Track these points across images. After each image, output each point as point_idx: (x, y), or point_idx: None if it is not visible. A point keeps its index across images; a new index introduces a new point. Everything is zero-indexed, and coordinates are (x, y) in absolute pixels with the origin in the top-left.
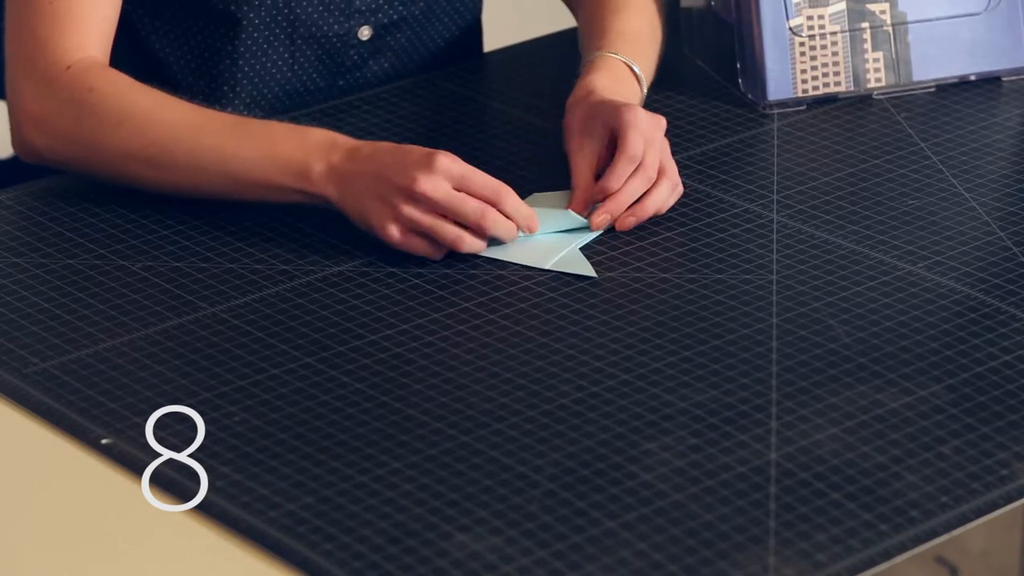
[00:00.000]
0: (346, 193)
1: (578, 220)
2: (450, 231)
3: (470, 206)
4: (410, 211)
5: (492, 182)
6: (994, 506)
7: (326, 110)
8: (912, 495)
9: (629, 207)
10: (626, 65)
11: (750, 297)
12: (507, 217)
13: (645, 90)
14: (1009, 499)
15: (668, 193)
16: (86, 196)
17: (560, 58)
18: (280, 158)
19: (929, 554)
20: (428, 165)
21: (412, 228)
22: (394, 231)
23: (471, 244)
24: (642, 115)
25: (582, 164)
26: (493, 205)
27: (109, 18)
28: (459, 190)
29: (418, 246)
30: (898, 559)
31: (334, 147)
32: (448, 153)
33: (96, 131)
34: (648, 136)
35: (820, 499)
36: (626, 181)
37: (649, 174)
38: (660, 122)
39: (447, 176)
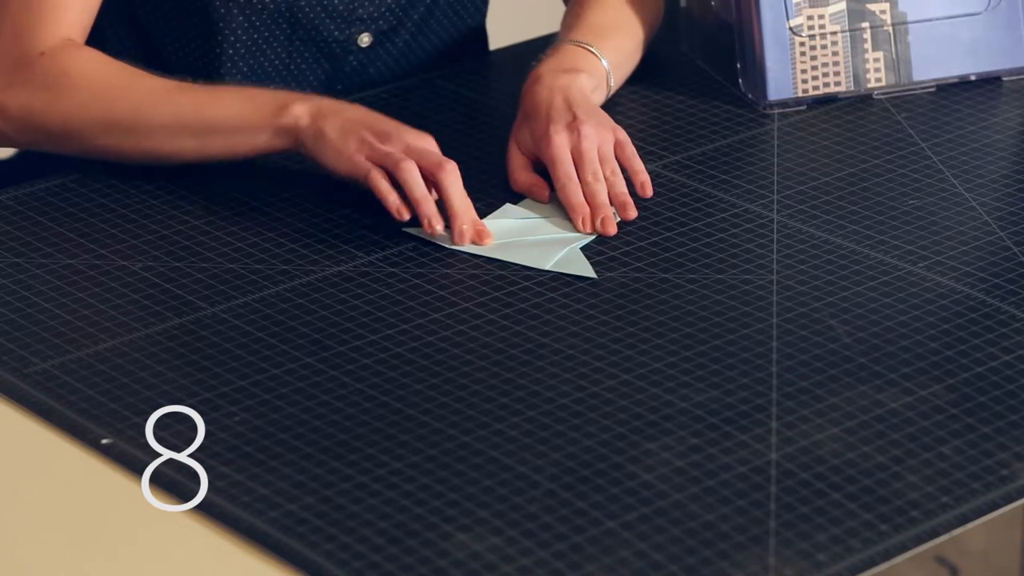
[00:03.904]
0: (318, 122)
1: (573, 231)
2: (401, 156)
3: (432, 158)
4: (378, 145)
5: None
6: (994, 506)
7: None
8: (912, 495)
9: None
10: (586, 51)
11: (750, 297)
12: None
13: (612, 78)
14: (1009, 499)
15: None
16: (86, 196)
17: None
18: (261, 100)
19: (929, 554)
20: (417, 132)
21: (370, 158)
22: (355, 155)
23: (412, 173)
24: (557, 134)
25: (516, 164)
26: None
27: (89, 7)
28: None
29: (364, 167)
30: (898, 559)
31: (317, 96)
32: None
33: (72, 110)
34: (573, 144)
35: (820, 499)
36: (585, 188)
37: (592, 169)
38: (581, 112)
39: (428, 142)
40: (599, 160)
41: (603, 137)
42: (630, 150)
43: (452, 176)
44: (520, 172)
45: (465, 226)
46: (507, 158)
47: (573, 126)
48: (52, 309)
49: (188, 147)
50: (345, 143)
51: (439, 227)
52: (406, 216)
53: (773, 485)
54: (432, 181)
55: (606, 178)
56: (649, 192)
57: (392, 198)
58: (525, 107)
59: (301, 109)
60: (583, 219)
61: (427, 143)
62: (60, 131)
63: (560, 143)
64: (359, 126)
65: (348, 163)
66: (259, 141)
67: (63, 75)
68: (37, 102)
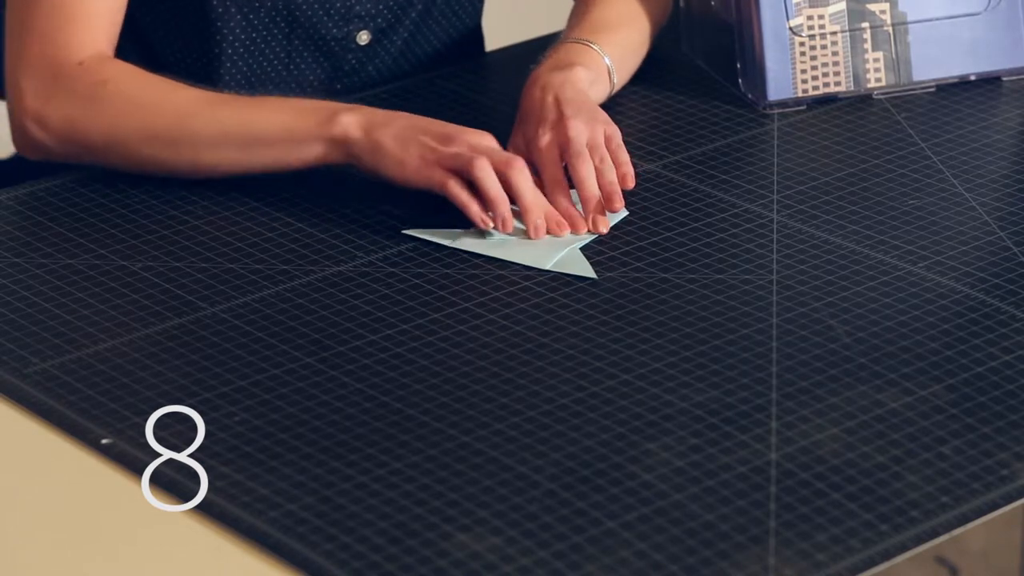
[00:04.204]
0: (372, 133)
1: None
2: (472, 154)
3: (502, 155)
4: (443, 149)
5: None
6: (994, 506)
7: None
8: (912, 495)
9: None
10: (586, 46)
11: (750, 297)
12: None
13: (615, 73)
14: (1009, 499)
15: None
16: (86, 196)
17: None
18: (306, 110)
19: (929, 554)
20: (476, 131)
21: (440, 164)
22: (421, 163)
23: (486, 171)
24: (543, 137)
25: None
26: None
27: (116, 14)
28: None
29: (438, 177)
30: (898, 559)
31: (363, 106)
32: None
33: (114, 120)
34: (560, 141)
35: (820, 499)
36: (572, 172)
37: (577, 150)
38: (569, 109)
39: (491, 140)
40: (589, 148)
41: (593, 129)
42: (617, 142)
43: (522, 174)
44: None
45: (539, 220)
46: None
47: (559, 124)
48: (52, 309)
49: (232, 159)
50: (407, 152)
51: (510, 226)
52: (490, 226)
53: (773, 485)
54: (501, 178)
55: (596, 168)
56: (630, 184)
57: (474, 208)
58: (521, 110)
59: (350, 119)
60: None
61: (489, 141)
62: (102, 142)
63: (545, 145)
64: (416, 132)
65: (416, 174)
66: (308, 153)
67: (104, 85)
68: (79, 112)
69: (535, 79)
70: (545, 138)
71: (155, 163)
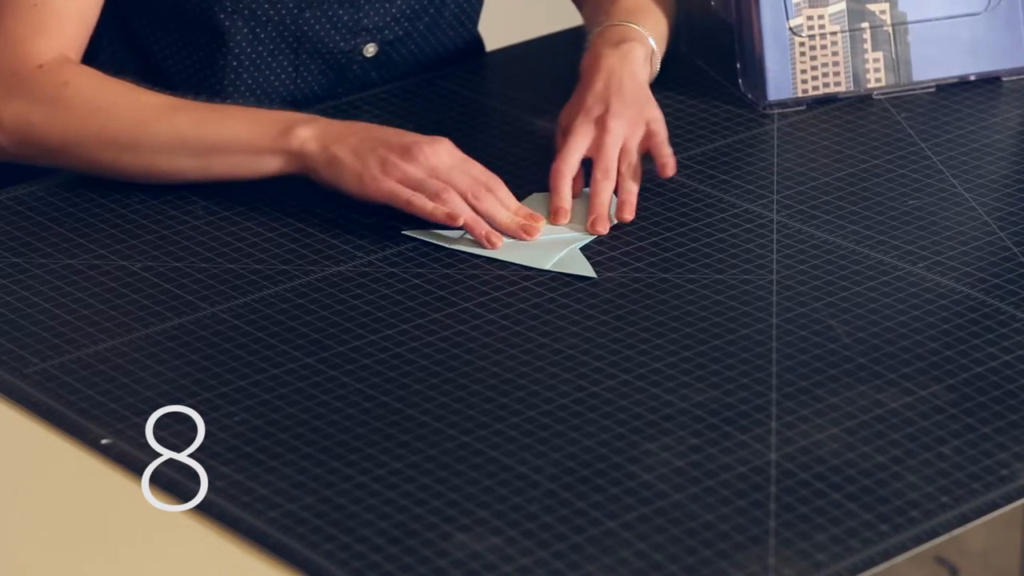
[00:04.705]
0: (329, 147)
1: (573, 232)
2: (437, 184)
3: (464, 177)
4: (404, 165)
5: (488, 171)
6: (994, 506)
7: (326, 110)
8: (912, 495)
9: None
10: (635, 29)
11: (750, 297)
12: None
13: (658, 49)
14: (1009, 499)
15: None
16: (86, 196)
17: (560, 58)
18: (263, 121)
19: (929, 554)
20: (431, 139)
21: (400, 181)
22: (382, 177)
23: (456, 202)
24: (580, 128)
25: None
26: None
27: (87, 22)
28: None
29: (404, 194)
30: (898, 559)
31: (320, 118)
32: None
33: (71, 123)
34: (596, 138)
35: (820, 499)
36: (592, 184)
37: (605, 166)
38: (616, 104)
39: (448, 152)
40: (621, 153)
41: (631, 131)
42: (659, 139)
43: (488, 199)
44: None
45: (519, 231)
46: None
47: (603, 119)
48: (52, 309)
49: (188, 166)
50: (365, 166)
51: (499, 241)
52: (460, 222)
53: (773, 485)
54: (471, 205)
55: (620, 172)
56: (670, 172)
57: (440, 212)
58: (577, 88)
59: (307, 133)
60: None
61: (445, 150)
62: (59, 145)
63: (575, 141)
64: (374, 144)
65: (376, 190)
66: (264, 165)
67: (63, 88)
68: (36, 115)
69: (595, 57)
70: (580, 132)
71: (112, 168)
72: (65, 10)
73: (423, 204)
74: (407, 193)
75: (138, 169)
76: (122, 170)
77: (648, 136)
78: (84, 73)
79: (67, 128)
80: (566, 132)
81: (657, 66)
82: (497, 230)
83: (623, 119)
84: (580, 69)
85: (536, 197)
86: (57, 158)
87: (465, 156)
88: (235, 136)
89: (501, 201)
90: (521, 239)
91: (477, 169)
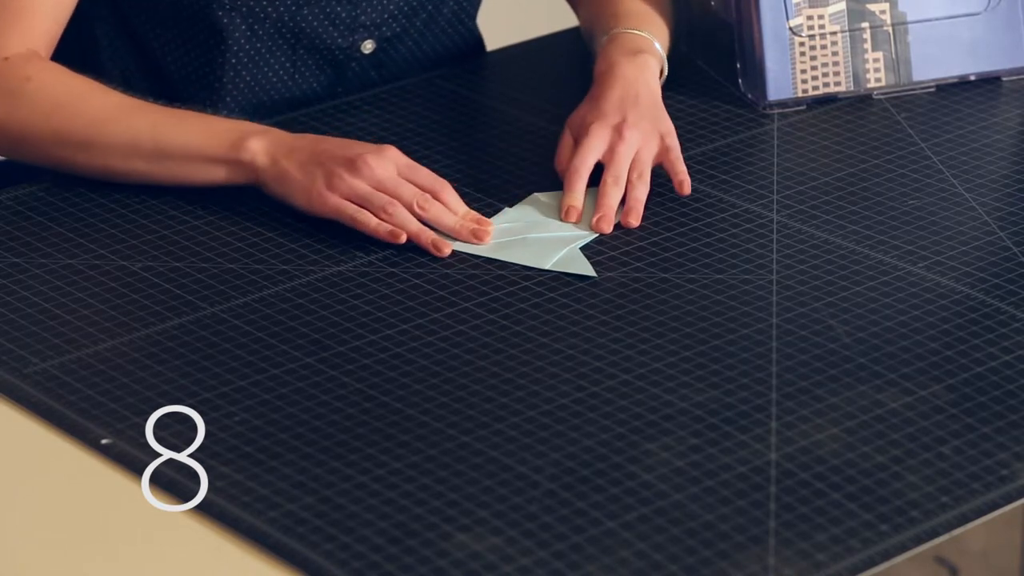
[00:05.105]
0: (279, 161)
1: (574, 231)
2: (382, 198)
3: (409, 188)
4: (350, 179)
5: (435, 176)
6: (994, 506)
7: (326, 110)
8: (912, 495)
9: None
10: (644, 38)
11: (750, 297)
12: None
13: (665, 65)
14: (1009, 499)
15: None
16: (86, 196)
17: (560, 58)
18: (217, 131)
19: (929, 554)
20: (376, 149)
21: (347, 196)
22: (328, 193)
23: (401, 215)
24: (597, 131)
25: (562, 145)
26: (434, 196)
27: (58, 18)
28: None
29: (349, 210)
30: (898, 559)
31: (273, 130)
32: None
33: (31, 118)
34: (611, 145)
35: (820, 499)
36: (601, 186)
37: (616, 173)
38: (633, 115)
39: (394, 161)
40: (632, 162)
41: (647, 142)
42: (674, 154)
43: (434, 207)
44: (563, 156)
45: (464, 232)
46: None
47: (619, 127)
48: (52, 309)
49: (141, 170)
50: (312, 181)
51: (446, 248)
52: (403, 239)
53: (773, 485)
54: (418, 215)
55: (630, 180)
56: (686, 190)
57: (383, 230)
58: (593, 92)
59: (258, 145)
60: (570, 216)
61: (389, 159)
62: (16, 139)
63: (592, 143)
64: (321, 158)
65: (323, 205)
66: (215, 174)
67: (25, 83)
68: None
69: (609, 65)
70: (597, 135)
71: (69, 165)
72: (38, 5)
73: (367, 220)
74: (351, 209)
75: (94, 169)
76: (79, 168)
77: (663, 151)
78: (48, 69)
79: (25, 123)
80: (578, 135)
81: (665, 74)
82: (447, 236)
83: (638, 130)
84: (595, 74)
85: (536, 197)
86: (14, 152)
87: (412, 163)
88: (188, 143)
89: (448, 206)
90: (472, 243)
91: (423, 176)
